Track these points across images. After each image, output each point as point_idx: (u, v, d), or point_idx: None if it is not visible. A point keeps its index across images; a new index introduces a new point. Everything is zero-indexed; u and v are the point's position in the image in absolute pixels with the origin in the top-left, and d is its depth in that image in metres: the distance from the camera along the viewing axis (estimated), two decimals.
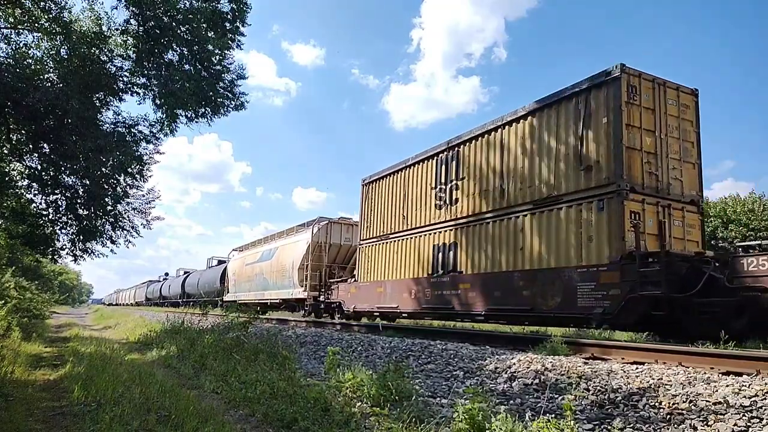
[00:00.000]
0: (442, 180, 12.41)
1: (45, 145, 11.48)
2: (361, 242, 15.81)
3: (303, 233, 19.78)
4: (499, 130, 10.97)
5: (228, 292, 27.14)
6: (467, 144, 11.84)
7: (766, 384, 4.07)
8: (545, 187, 9.67)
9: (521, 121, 10.47)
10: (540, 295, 9.14)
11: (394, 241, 14.02)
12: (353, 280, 15.99)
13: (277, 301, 20.97)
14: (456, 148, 12.14)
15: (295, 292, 18.93)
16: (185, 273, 42.32)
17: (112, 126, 11.79)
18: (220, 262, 33.54)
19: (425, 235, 12.77)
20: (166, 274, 54.16)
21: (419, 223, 13.05)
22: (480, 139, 11.47)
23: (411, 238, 13.33)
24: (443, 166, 12.47)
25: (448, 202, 12.07)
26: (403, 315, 13.65)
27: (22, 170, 12.52)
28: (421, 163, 13.37)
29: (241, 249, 28.54)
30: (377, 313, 14.72)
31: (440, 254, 12.07)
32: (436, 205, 12.51)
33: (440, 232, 12.26)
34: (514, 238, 10.14)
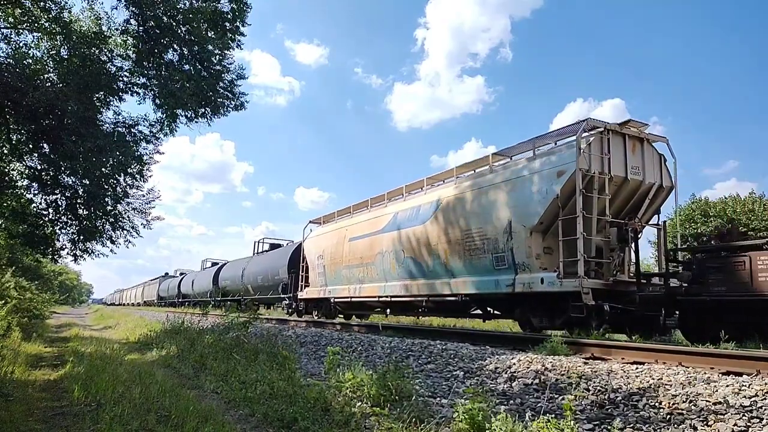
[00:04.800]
0: None
1: (45, 145, 11.50)
2: None
3: (538, 158, 9.99)
4: None
5: (307, 285, 18.45)
6: None
7: (766, 384, 4.07)
8: None
9: None
10: None
11: None
12: None
13: (456, 299, 11.24)
14: None
15: (520, 279, 9.57)
16: (213, 264, 34.03)
17: (112, 126, 11.81)
18: (273, 247, 25.40)
19: None
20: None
21: None
22: None
23: None
24: None
25: None
26: None
27: (22, 170, 12.54)
28: None
29: (323, 221, 18.80)
30: None
31: None
32: None
33: None
34: None
